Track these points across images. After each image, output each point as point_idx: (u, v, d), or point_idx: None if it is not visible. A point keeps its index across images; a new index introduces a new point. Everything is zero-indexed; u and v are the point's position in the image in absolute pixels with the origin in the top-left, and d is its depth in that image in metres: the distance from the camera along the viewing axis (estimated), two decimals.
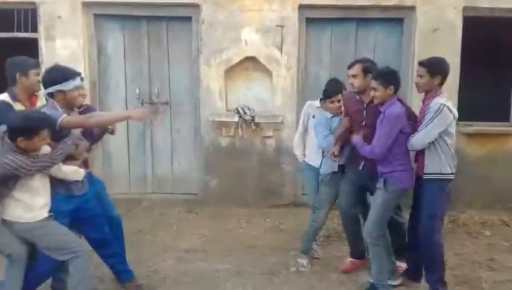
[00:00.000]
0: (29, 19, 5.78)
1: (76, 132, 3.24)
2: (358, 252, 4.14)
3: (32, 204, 2.97)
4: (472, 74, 5.71)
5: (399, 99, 3.58)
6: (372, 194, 3.87)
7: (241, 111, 5.70)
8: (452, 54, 5.48)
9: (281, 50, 5.66)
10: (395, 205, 3.67)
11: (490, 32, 5.88)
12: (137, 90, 5.94)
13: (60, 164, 3.06)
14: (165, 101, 5.99)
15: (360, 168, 3.80)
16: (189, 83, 5.94)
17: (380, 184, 3.53)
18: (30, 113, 3.01)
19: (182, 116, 6.02)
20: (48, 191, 3.06)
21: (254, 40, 5.65)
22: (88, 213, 3.32)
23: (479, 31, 5.56)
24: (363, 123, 3.73)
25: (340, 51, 5.83)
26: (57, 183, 3.11)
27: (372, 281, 3.67)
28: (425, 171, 3.50)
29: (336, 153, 3.86)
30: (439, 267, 3.59)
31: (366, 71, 3.68)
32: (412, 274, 3.84)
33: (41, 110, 3.07)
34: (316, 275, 4.05)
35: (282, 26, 5.62)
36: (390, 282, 3.70)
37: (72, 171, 3.16)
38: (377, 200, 3.55)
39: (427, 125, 3.40)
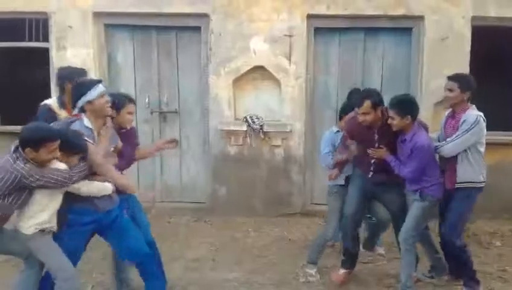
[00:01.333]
0: (41, 28, 5.87)
1: (107, 147, 3.23)
2: (353, 261, 4.09)
3: (34, 217, 2.98)
4: (480, 83, 5.65)
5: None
6: (380, 201, 3.93)
7: (249, 120, 5.72)
8: (461, 64, 5.48)
9: (289, 59, 5.69)
10: (430, 214, 3.71)
11: (499, 41, 5.86)
12: (147, 99, 5.98)
13: (85, 181, 3.05)
14: (174, 110, 6.02)
15: (369, 176, 3.80)
16: (198, 92, 5.98)
17: (415, 196, 3.61)
18: (41, 125, 3.01)
19: (190, 125, 6.06)
20: (54, 208, 3.03)
21: (263, 49, 5.69)
22: (113, 224, 3.27)
23: (487, 40, 5.55)
24: (376, 145, 3.68)
25: (349, 61, 5.84)
26: (81, 197, 3.10)
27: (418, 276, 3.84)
28: (457, 181, 3.58)
29: (333, 178, 4.01)
30: (468, 267, 3.74)
31: (375, 106, 3.59)
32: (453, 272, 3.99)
33: (70, 125, 3.11)
34: (326, 286, 4.03)
35: (290, 36, 5.65)
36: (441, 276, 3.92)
37: (98, 189, 3.13)
38: (414, 211, 3.62)
39: (462, 136, 3.49)
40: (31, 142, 2.83)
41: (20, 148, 2.87)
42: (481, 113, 3.60)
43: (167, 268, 4.17)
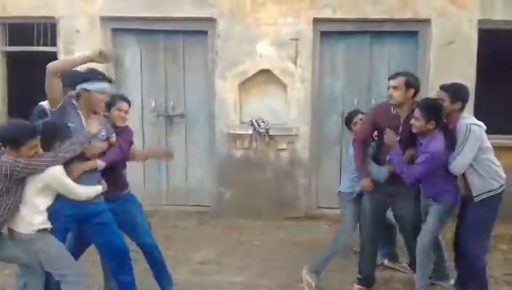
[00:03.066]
0: (49, 33, 5.93)
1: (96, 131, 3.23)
2: (371, 277, 3.97)
3: (32, 218, 2.97)
4: (488, 86, 5.68)
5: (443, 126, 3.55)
6: (393, 209, 3.88)
7: (255, 123, 5.74)
8: (467, 67, 5.47)
9: (295, 63, 5.70)
10: (448, 219, 3.65)
11: (506, 44, 5.85)
12: (154, 103, 6.02)
13: (72, 183, 3.02)
14: (180, 114, 6.05)
15: (384, 185, 3.72)
16: (205, 96, 6.01)
17: (430, 202, 3.60)
18: (16, 124, 2.96)
19: (196, 129, 6.08)
20: (47, 207, 3.02)
21: (269, 53, 5.71)
22: (98, 221, 3.20)
23: (494, 43, 5.53)
24: (397, 138, 3.60)
25: (355, 64, 5.85)
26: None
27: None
28: (474, 195, 3.51)
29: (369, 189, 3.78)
30: (481, 280, 3.63)
31: (408, 85, 3.55)
32: (460, 284, 3.88)
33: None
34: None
35: (296, 40, 5.66)
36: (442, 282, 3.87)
37: (84, 192, 3.08)
38: (432, 215, 3.58)
39: (462, 149, 3.42)
40: (10, 142, 2.84)
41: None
42: (473, 120, 3.52)
43: (173, 271, 4.17)
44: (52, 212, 3.05)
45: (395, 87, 3.56)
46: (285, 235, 5.41)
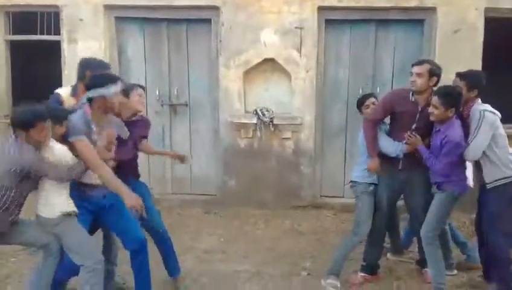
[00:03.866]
0: (52, 21, 5.91)
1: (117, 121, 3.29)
2: (376, 265, 4.00)
3: (54, 201, 3.02)
4: (494, 75, 5.61)
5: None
6: (405, 197, 3.88)
7: (259, 113, 5.72)
8: (473, 56, 5.43)
9: (300, 52, 5.67)
10: (452, 207, 3.62)
11: None
12: (157, 92, 6.00)
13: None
14: (184, 103, 6.04)
15: (400, 168, 3.72)
16: (209, 85, 5.99)
17: (434, 189, 3.57)
18: (26, 107, 2.96)
19: (201, 118, 6.07)
20: (67, 189, 3.08)
21: (273, 41, 5.67)
22: (111, 208, 3.25)
23: (500, 32, 5.48)
24: (413, 126, 3.61)
25: (360, 53, 5.81)
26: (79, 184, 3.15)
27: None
28: (487, 181, 3.52)
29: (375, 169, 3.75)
30: (501, 268, 3.58)
31: (432, 73, 3.55)
32: (484, 274, 3.89)
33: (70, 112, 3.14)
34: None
35: (301, 28, 5.62)
36: (446, 272, 3.74)
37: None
38: (434, 203, 3.56)
39: (475, 136, 3.42)
40: (20, 124, 2.87)
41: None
42: (487, 107, 3.52)
43: (178, 259, 4.21)
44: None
45: (419, 74, 3.56)
46: (289, 224, 5.43)
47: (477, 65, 5.43)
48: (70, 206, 3.07)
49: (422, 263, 4.00)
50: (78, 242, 3.07)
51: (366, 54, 5.79)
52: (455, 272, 4.02)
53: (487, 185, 3.51)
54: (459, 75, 3.63)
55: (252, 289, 3.87)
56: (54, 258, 3.11)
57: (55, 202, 3.03)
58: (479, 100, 3.59)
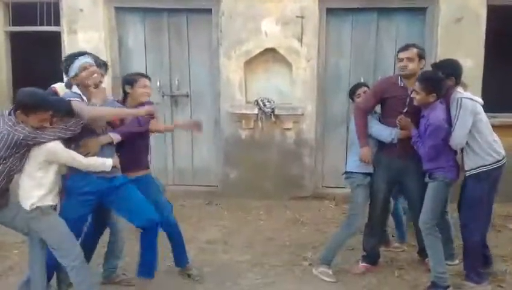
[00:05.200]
0: (52, 12, 5.87)
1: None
2: (376, 255, 4.00)
3: (31, 192, 3.01)
4: (496, 64, 5.59)
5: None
6: (401, 187, 3.87)
7: (260, 103, 5.70)
8: (476, 44, 5.39)
9: (301, 41, 5.63)
10: (445, 195, 3.63)
11: None
12: (158, 83, 5.98)
13: (73, 153, 3.05)
14: (185, 94, 6.02)
15: (396, 156, 3.68)
16: (209, 75, 5.96)
17: (427, 179, 3.56)
18: (38, 92, 3.01)
19: (202, 108, 6.05)
20: (49, 183, 3.04)
21: (274, 31, 5.63)
22: (117, 191, 3.22)
23: (503, 20, 5.43)
24: (404, 110, 3.60)
25: (361, 42, 5.77)
26: None
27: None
28: (466, 169, 3.54)
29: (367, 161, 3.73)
30: (473, 256, 3.64)
31: (420, 56, 3.60)
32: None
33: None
34: (336, 267, 4.03)
35: (302, 17, 5.58)
36: (448, 262, 3.73)
37: (87, 160, 3.09)
38: (428, 192, 3.55)
39: (456, 124, 3.43)
40: (23, 106, 2.88)
41: (12, 111, 2.92)
42: (465, 95, 3.50)
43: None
44: (70, 189, 3.13)
45: (409, 58, 3.58)
46: (291, 214, 5.43)
47: (479, 53, 5.41)
48: (46, 200, 3.03)
49: (422, 252, 4.00)
50: (56, 240, 3.06)
51: (367, 42, 5.75)
52: (456, 261, 4.01)
53: (466, 173, 3.55)
54: (434, 65, 3.68)
55: (255, 278, 3.88)
56: (40, 248, 3.12)
57: (33, 194, 3.00)
58: (459, 88, 3.57)
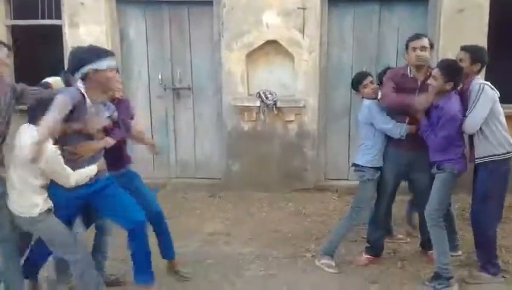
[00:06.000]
0: (53, 6, 5.86)
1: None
2: (380, 246, 4.00)
3: (31, 200, 2.95)
4: (500, 55, 5.55)
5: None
6: (409, 179, 3.85)
7: (262, 95, 5.69)
8: (478, 35, 5.35)
9: (303, 33, 5.60)
10: (453, 187, 3.60)
11: None
12: (160, 76, 5.97)
13: (66, 171, 2.91)
14: (187, 86, 6.01)
15: (405, 150, 3.66)
16: (211, 68, 5.95)
17: (434, 170, 3.55)
18: None
19: (204, 101, 6.05)
20: (44, 187, 2.99)
21: (275, 23, 5.61)
22: (102, 192, 3.11)
23: (506, 11, 5.39)
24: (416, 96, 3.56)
25: (363, 33, 5.74)
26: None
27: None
28: (476, 156, 3.53)
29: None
30: (488, 249, 3.65)
31: (431, 45, 3.62)
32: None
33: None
34: (339, 258, 4.04)
35: (304, 9, 5.55)
36: (451, 253, 3.73)
37: (86, 175, 2.98)
38: (435, 184, 3.54)
39: (474, 108, 3.42)
40: None
41: None
42: (486, 82, 3.52)
43: (184, 243, 4.25)
44: (55, 194, 3.01)
45: (424, 47, 3.55)
46: (293, 206, 5.44)
47: (482, 43, 5.33)
48: (48, 202, 3.00)
49: (424, 244, 4.00)
50: (59, 237, 3.04)
51: (369, 34, 5.73)
52: (460, 253, 4.02)
53: (476, 160, 3.54)
54: (464, 47, 3.64)
55: (257, 270, 3.89)
56: (9, 244, 3.10)
57: (38, 201, 2.95)
58: (479, 76, 3.59)
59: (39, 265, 3.35)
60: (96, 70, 2.89)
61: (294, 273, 3.86)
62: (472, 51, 3.57)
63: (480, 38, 5.32)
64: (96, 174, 3.06)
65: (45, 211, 2.98)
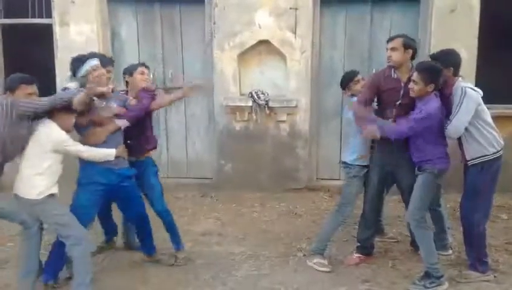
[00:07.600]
0: (44, 4, 5.82)
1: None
2: (370, 246, 4.02)
3: (33, 181, 3.11)
4: (490, 55, 5.60)
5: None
6: (394, 177, 3.84)
7: (255, 95, 5.68)
8: (469, 35, 5.39)
9: (295, 33, 5.61)
10: (435, 186, 3.60)
11: (509, 13, 5.73)
12: (152, 75, 5.92)
13: (78, 146, 3.25)
14: (179, 86, 5.99)
15: (391, 149, 3.66)
16: (203, 68, 5.93)
17: (417, 171, 3.55)
18: (21, 74, 3.23)
19: (195, 101, 6.03)
20: (53, 171, 3.17)
21: (268, 23, 5.61)
22: (124, 192, 3.54)
23: (497, 11, 5.43)
24: (398, 102, 3.59)
25: (355, 34, 5.76)
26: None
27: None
28: (468, 158, 3.54)
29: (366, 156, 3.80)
30: (478, 246, 3.65)
31: (406, 46, 3.56)
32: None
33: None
34: (331, 259, 4.04)
35: (296, 9, 5.55)
36: (441, 252, 3.75)
37: (100, 155, 3.32)
38: (416, 185, 3.54)
39: (458, 111, 3.41)
40: (8, 86, 3.15)
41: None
42: (468, 84, 3.53)
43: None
44: (81, 177, 3.36)
45: (393, 48, 3.57)
46: (285, 206, 5.44)
47: (473, 44, 5.41)
48: (52, 190, 3.18)
49: (415, 243, 4.01)
50: (60, 222, 3.19)
51: (361, 34, 5.74)
52: (450, 252, 4.04)
53: (468, 162, 3.55)
54: (431, 56, 3.66)
55: (249, 270, 3.88)
56: (34, 240, 3.24)
57: (39, 183, 3.12)
58: (460, 79, 3.58)
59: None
60: (83, 76, 3.32)
61: (286, 272, 3.84)
62: (440, 58, 3.53)
63: (471, 39, 5.37)
64: (117, 162, 3.41)
65: (46, 196, 3.13)
